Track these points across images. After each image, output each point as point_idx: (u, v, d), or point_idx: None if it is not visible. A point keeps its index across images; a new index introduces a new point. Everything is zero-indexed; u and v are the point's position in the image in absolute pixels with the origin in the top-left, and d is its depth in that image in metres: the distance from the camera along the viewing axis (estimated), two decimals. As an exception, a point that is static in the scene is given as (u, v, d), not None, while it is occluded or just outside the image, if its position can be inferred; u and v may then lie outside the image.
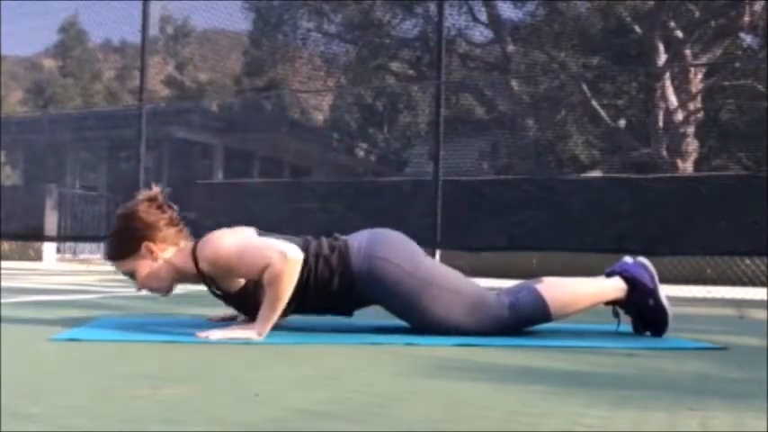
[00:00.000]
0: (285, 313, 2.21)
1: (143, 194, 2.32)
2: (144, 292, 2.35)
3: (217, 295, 2.32)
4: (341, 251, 2.25)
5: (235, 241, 2.18)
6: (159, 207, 2.29)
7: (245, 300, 2.26)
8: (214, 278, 2.24)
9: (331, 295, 2.26)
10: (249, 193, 9.02)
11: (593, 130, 12.36)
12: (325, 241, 2.30)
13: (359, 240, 2.29)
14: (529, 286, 2.31)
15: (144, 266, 2.26)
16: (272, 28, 14.84)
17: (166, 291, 2.33)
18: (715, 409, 1.28)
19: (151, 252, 2.24)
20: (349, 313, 2.39)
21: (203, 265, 2.20)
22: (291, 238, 2.28)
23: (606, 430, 1.09)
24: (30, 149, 17.00)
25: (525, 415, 1.19)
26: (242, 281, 2.24)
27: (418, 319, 2.27)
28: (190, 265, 2.23)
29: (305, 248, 2.24)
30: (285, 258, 2.10)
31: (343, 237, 2.34)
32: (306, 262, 2.19)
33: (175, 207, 2.33)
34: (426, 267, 2.27)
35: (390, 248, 2.27)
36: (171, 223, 2.29)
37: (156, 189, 2.33)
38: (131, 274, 2.29)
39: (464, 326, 2.23)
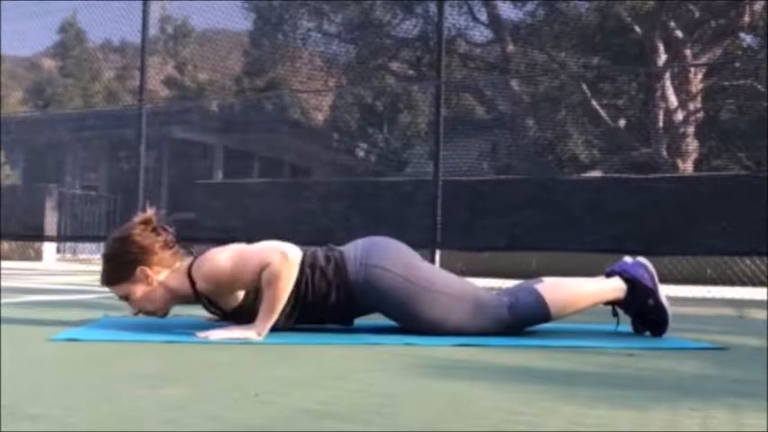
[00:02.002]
0: (286, 325, 2.20)
1: (138, 217, 2.31)
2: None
3: (214, 313, 2.32)
4: (337, 262, 2.25)
5: (230, 254, 2.17)
6: (154, 230, 2.28)
7: (244, 315, 2.24)
8: (211, 296, 2.23)
9: (329, 306, 2.25)
10: (249, 193, 9.01)
11: (593, 130, 12.35)
12: (320, 252, 2.28)
13: (354, 250, 2.29)
14: (529, 286, 2.31)
15: (139, 290, 2.25)
16: (272, 28, 14.84)
17: (162, 313, 2.32)
18: (715, 409, 1.28)
19: (146, 276, 2.24)
20: (349, 323, 2.39)
21: (201, 285, 2.19)
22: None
23: (606, 430, 1.09)
24: (30, 149, 17.00)
25: (525, 415, 1.19)
26: (240, 296, 2.22)
27: (418, 325, 2.27)
28: (186, 286, 2.23)
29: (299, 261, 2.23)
30: (285, 257, 2.10)
31: (338, 248, 2.33)
32: (302, 273, 2.19)
33: (170, 229, 2.32)
34: (423, 273, 2.27)
35: (386, 256, 2.26)
36: (166, 246, 2.28)
37: (150, 211, 2.32)
38: (126, 298, 2.29)
39: (464, 328, 2.23)
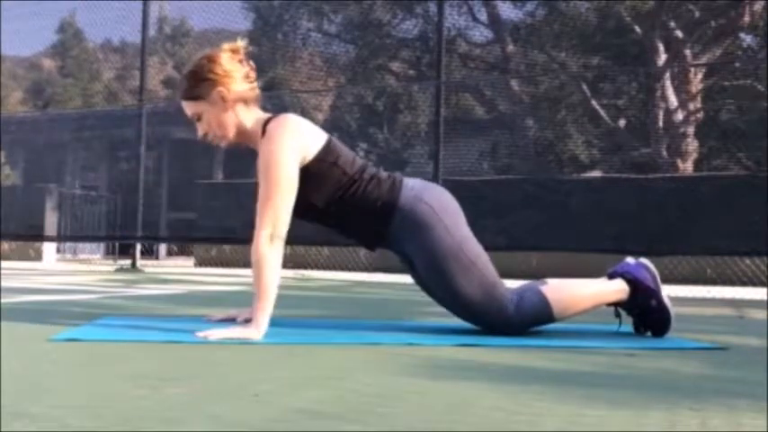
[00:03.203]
0: (321, 223, 2.26)
1: (228, 44, 2.33)
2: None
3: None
4: (395, 182, 2.30)
5: (284, 161, 2.18)
6: (240, 60, 2.31)
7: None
8: None
9: (365, 216, 2.28)
10: (249, 193, 9.00)
11: (593, 130, 12.35)
12: (383, 171, 2.34)
13: (413, 182, 2.34)
14: (533, 287, 2.32)
15: (212, 112, 2.28)
16: (272, 28, 14.84)
17: (226, 142, 2.34)
18: (715, 409, 1.28)
19: (223, 99, 2.26)
20: (372, 246, 2.40)
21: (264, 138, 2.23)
22: (355, 158, 2.31)
23: (605, 430, 1.09)
24: (30, 149, 17.00)
25: (525, 415, 1.19)
26: None
27: (433, 277, 2.29)
28: (255, 132, 2.28)
29: (363, 168, 2.29)
30: (271, 241, 2.13)
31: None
32: (360, 178, 2.25)
33: (254, 66, 2.34)
34: (464, 234, 2.30)
35: (439, 202, 2.30)
36: (247, 78, 2.31)
37: (241, 42, 2.33)
38: (198, 118, 2.30)
39: (472, 302, 2.25)
